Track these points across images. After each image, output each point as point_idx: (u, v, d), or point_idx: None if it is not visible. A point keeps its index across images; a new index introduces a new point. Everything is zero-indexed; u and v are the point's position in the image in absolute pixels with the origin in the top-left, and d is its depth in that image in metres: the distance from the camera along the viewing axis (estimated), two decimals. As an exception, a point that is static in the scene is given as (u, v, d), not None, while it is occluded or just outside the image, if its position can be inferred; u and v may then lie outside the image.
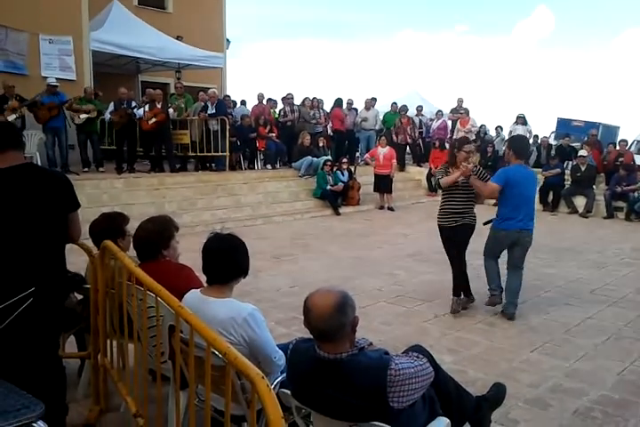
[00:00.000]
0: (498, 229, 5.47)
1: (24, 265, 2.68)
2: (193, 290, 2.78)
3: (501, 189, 5.30)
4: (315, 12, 67.18)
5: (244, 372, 1.63)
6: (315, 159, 13.21)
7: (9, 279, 2.65)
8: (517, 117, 15.27)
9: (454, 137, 15.31)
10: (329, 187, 12.47)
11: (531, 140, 15.42)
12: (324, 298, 2.16)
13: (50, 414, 2.26)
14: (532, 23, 62.94)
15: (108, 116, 11.48)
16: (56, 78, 11.16)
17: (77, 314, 3.66)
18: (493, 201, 11.31)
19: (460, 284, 5.68)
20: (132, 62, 15.61)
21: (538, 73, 61.29)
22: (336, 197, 12.55)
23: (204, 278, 2.83)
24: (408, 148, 15.84)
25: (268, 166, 13.65)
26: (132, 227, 3.58)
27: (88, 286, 3.51)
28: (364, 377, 2.11)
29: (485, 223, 5.67)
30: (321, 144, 13.81)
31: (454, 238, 5.56)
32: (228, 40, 19.25)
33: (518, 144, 5.64)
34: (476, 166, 5.54)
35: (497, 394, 3.12)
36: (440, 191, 5.91)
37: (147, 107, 11.40)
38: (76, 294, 3.81)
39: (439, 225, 5.68)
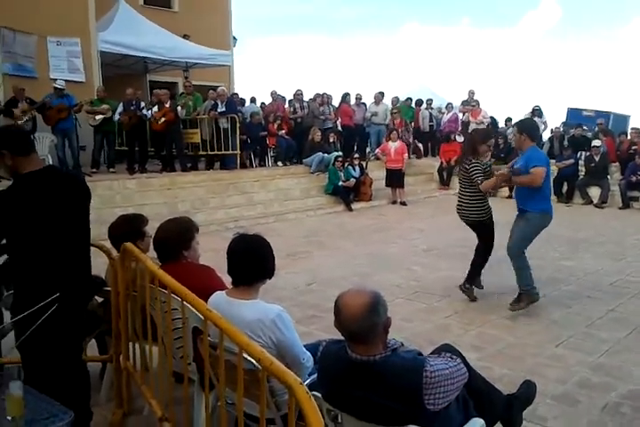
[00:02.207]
0: (549, 215, 5.30)
1: (50, 270, 2.65)
2: (218, 292, 2.73)
3: None
4: (311, 8, 67.12)
5: (281, 378, 1.58)
6: (326, 155, 13.12)
7: (35, 285, 2.63)
8: (533, 110, 15.00)
9: (467, 129, 15.16)
10: (341, 183, 12.38)
11: (547, 132, 15.26)
12: (356, 298, 2.11)
13: (76, 419, 2.23)
14: (539, 14, 62.47)
15: (117, 117, 11.46)
16: (65, 80, 11.16)
17: (99, 317, 3.64)
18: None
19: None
20: (140, 62, 15.58)
21: (547, 64, 60.93)
22: (348, 193, 12.46)
23: (226, 279, 2.78)
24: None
25: (279, 163, 13.59)
26: (150, 228, 3.55)
27: (109, 288, 3.48)
28: (398, 379, 2.06)
29: None
30: (331, 140, 13.73)
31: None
32: (234, 38, 19.19)
33: (530, 126, 5.56)
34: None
35: (527, 392, 3.06)
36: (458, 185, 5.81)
37: (155, 107, 11.39)
38: (96, 296, 3.78)
39: (484, 221, 5.59)
